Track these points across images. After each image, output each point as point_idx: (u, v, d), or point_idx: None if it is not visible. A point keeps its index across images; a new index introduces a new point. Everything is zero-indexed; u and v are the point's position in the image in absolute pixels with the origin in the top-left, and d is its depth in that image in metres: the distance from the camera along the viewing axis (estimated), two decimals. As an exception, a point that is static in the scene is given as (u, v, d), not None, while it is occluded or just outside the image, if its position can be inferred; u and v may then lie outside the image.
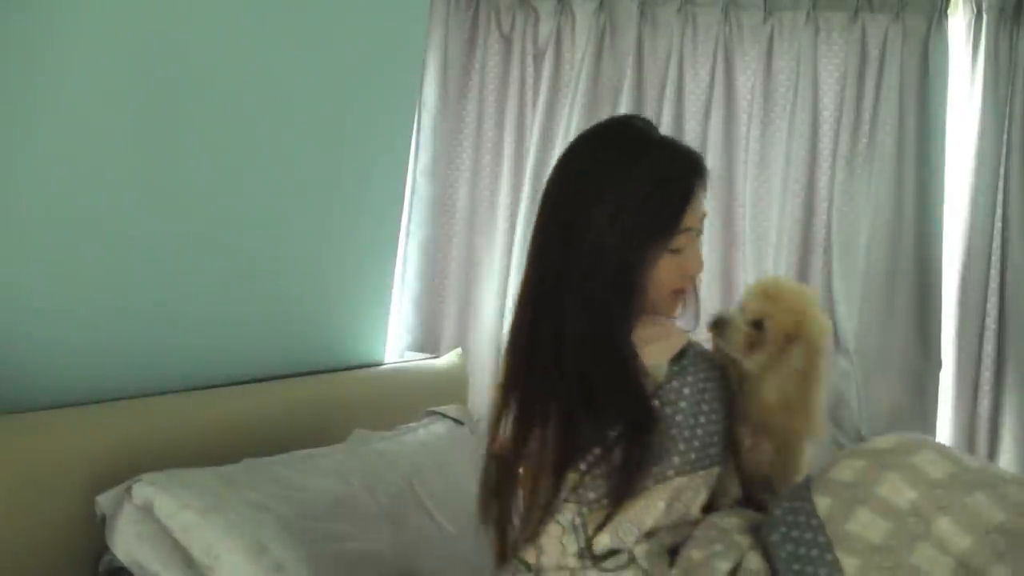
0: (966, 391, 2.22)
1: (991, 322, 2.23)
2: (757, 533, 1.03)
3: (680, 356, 1.12)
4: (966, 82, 2.26)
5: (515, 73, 2.44)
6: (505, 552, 1.11)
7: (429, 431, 1.75)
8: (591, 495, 1.04)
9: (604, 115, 2.13)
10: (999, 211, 2.22)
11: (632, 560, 1.02)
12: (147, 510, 1.15)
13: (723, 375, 1.14)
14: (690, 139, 2.29)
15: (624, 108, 2.34)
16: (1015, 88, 2.21)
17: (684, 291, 1.16)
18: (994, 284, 2.23)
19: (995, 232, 2.22)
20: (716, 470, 1.10)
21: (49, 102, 1.20)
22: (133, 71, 1.30)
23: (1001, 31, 2.21)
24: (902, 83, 2.23)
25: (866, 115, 2.27)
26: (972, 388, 2.22)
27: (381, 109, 1.91)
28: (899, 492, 0.93)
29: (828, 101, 2.30)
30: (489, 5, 2.45)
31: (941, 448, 0.99)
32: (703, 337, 1.18)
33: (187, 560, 1.14)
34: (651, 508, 1.04)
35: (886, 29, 2.25)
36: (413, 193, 2.42)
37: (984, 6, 2.22)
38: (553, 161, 1.21)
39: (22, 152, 1.18)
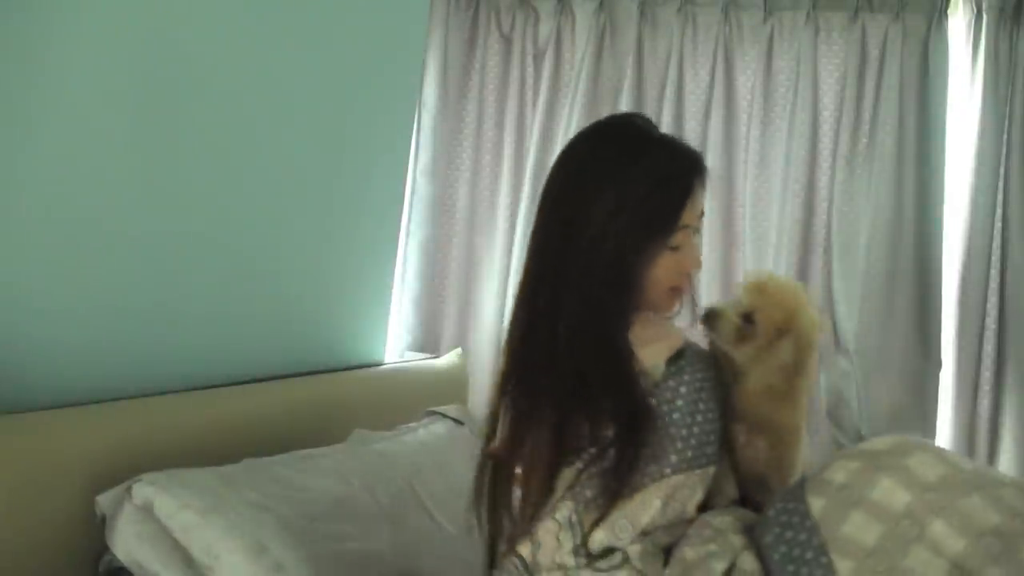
0: (966, 391, 2.22)
1: (991, 322, 2.23)
2: (751, 533, 1.03)
3: (678, 356, 1.12)
4: (966, 82, 2.26)
5: (515, 73, 2.44)
6: (495, 549, 1.11)
7: (429, 431, 1.76)
8: (588, 493, 1.04)
9: (604, 115, 2.12)
10: (999, 211, 2.22)
11: (626, 560, 1.02)
12: (147, 510, 1.15)
13: (719, 374, 1.15)
14: (690, 139, 2.28)
15: (624, 108, 2.34)
16: (1015, 88, 2.21)
17: (681, 288, 1.17)
18: (994, 284, 2.23)
19: (995, 232, 2.22)
20: (712, 469, 1.10)
21: (49, 102, 1.20)
22: (133, 71, 1.30)
23: (1001, 31, 2.21)
24: (902, 83, 2.23)
25: (866, 115, 2.27)
26: (972, 388, 2.22)
27: (381, 109, 1.91)
28: (893, 495, 0.93)
29: (828, 101, 2.30)
30: (489, 5, 2.45)
31: (936, 450, 0.99)
32: (699, 334, 1.18)
33: (187, 560, 1.14)
34: (647, 506, 1.04)
35: (886, 29, 2.25)
36: (413, 193, 2.42)
37: (984, 6, 2.22)
38: (553, 161, 1.21)
39: (22, 152, 1.18)
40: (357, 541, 1.31)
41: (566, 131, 2.32)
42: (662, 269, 1.11)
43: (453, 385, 2.16)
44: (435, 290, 2.47)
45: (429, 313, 2.46)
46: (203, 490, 1.19)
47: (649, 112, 2.33)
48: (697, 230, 1.15)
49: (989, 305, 2.23)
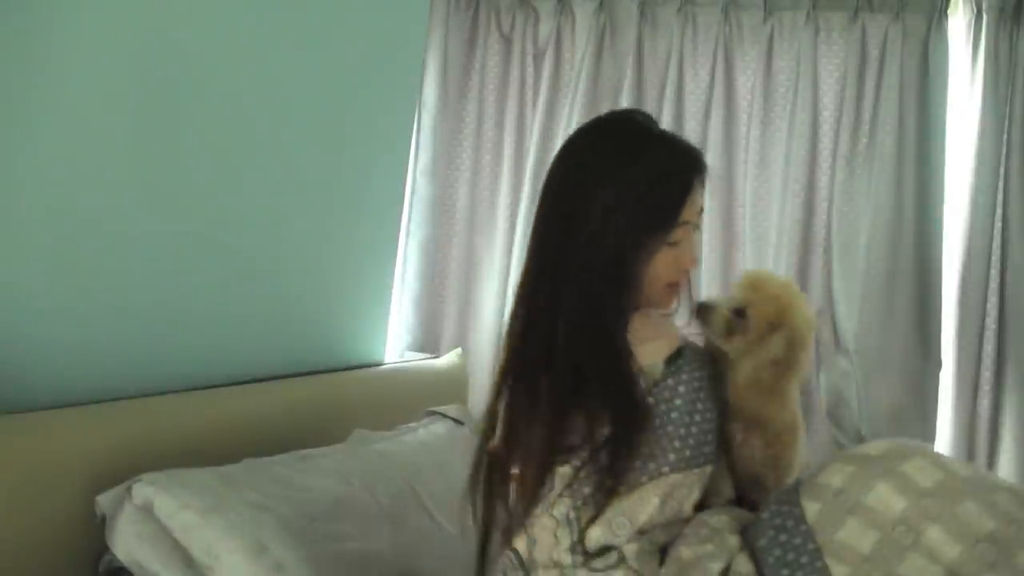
0: (966, 391, 2.22)
1: (991, 322, 2.23)
2: (746, 534, 1.03)
3: (676, 355, 1.12)
4: (966, 82, 2.26)
5: (515, 73, 2.44)
6: (487, 537, 1.11)
7: (429, 431, 1.75)
8: (585, 490, 1.04)
9: (604, 115, 2.13)
10: (999, 211, 2.22)
11: (622, 560, 1.02)
12: (147, 510, 1.15)
13: (716, 371, 1.15)
14: (690, 139, 2.25)
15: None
16: (1015, 88, 2.21)
17: (679, 284, 1.17)
18: (994, 284, 2.23)
19: (995, 232, 2.22)
20: (710, 468, 1.10)
21: (49, 102, 1.20)
22: (133, 71, 1.31)
23: (1001, 31, 2.21)
24: (902, 83, 2.23)
25: (866, 115, 2.26)
26: (972, 388, 2.22)
27: (381, 109, 1.91)
28: (889, 501, 0.93)
29: (828, 101, 2.30)
30: (489, 5, 2.45)
31: (932, 455, 0.99)
32: (696, 331, 1.18)
33: (187, 560, 1.14)
34: (645, 503, 1.04)
35: (886, 29, 2.25)
36: (413, 193, 2.42)
37: (984, 6, 2.22)
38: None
39: (22, 152, 1.18)
40: (357, 541, 1.31)
41: (566, 131, 2.32)
42: (661, 265, 1.11)
43: (453, 385, 2.16)
44: (435, 290, 2.47)
45: (429, 313, 2.46)
46: (203, 490, 1.19)
47: (649, 112, 2.32)
48: (697, 226, 1.15)
49: (989, 305, 2.23)
